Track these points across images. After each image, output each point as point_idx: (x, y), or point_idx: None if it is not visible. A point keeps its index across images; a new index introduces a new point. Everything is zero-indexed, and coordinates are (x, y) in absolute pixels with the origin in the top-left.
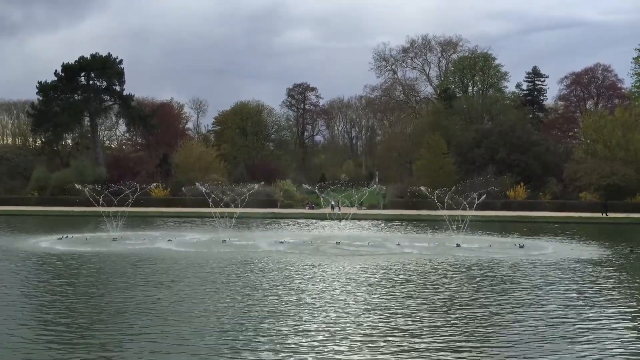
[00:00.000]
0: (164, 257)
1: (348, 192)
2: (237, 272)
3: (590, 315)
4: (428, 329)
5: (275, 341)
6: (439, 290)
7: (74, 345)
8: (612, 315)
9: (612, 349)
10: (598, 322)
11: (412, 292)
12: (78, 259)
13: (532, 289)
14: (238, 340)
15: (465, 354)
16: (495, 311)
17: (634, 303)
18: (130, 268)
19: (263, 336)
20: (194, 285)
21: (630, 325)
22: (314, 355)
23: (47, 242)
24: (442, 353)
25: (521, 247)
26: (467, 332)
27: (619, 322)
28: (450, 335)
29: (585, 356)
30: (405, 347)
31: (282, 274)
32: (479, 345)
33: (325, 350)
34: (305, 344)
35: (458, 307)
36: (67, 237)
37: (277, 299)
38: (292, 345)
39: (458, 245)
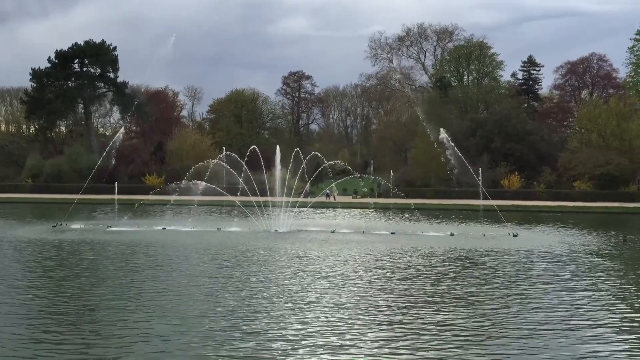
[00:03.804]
0: (157, 245)
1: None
2: (225, 261)
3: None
4: (425, 324)
5: (259, 335)
6: (434, 280)
7: (60, 334)
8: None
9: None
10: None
11: (407, 283)
12: (72, 247)
13: (529, 279)
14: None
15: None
16: (504, 303)
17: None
18: (123, 256)
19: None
20: (182, 274)
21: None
22: (307, 350)
23: (42, 231)
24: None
25: (515, 236)
26: (468, 329)
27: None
28: (447, 332)
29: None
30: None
31: (274, 264)
32: (480, 343)
33: (320, 345)
34: (295, 339)
35: (457, 299)
36: (61, 224)
37: (260, 289)
38: (283, 339)
39: (452, 234)
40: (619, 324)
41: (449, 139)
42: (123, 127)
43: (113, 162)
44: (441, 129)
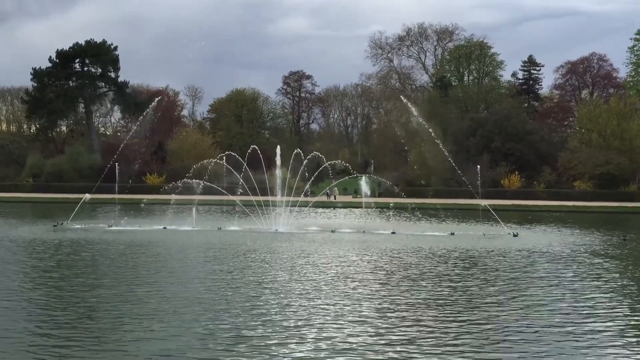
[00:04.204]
0: (157, 244)
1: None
2: (225, 261)
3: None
4: (427, 325)
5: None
6: (435, 281)
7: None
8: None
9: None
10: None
11: (408, 283)
12: (72, 247)
13: (531, 280)
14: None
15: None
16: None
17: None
18: (122, 256)
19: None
20: (182, 274)
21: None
22: (307, 351)
23: (42, 230)
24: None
25: (515, 235)
26: (471, 330)
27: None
28: (449, 333)
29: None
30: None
31: (275, 264)
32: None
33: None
34: (295, 340)
35: (458, 299)
36: (62, 224)
37: (260, 290)
38: (283, 340)
39: (452, 233)
40: (623, 325)
41: (412, 108)
42: (146, 114)
43: (137, 166)
44: (401, 97)
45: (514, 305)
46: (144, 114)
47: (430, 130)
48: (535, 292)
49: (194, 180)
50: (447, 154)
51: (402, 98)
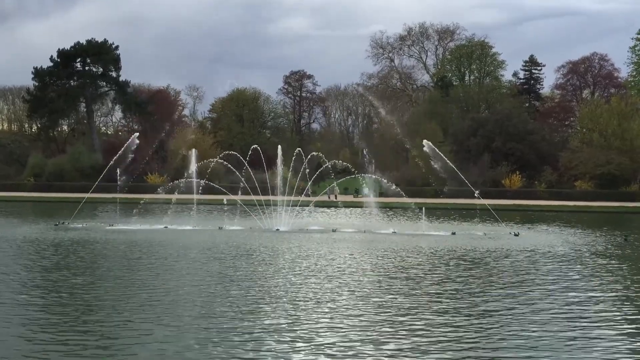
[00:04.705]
0: (158, 244)
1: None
2: (226, 261)
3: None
4: (429, 325)
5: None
6: (437, 280)
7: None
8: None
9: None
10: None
11: (409, 283)
12: (73, 246)
13: (533, 280)
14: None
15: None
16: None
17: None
18: (123, 256)
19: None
20: (183, 274)
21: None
22: (308, 352)
23: (43, 229)
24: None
25: (516, 235)
26: (473, 331)
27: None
28: (451, 334)
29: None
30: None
31: (276, 263)
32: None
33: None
34: (296, 341)
35: (460, 300)
36: (63, 223)
37: (261, 290)
38: (284, 341)
39: (453, 233)
40: (630, 329)
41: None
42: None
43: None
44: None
45: (518, 309)
46: (166, 126)
47: (394, 122)
48: (539, 294)
49: (192, 179)
50: (427, 148)
51: (360, 89)
